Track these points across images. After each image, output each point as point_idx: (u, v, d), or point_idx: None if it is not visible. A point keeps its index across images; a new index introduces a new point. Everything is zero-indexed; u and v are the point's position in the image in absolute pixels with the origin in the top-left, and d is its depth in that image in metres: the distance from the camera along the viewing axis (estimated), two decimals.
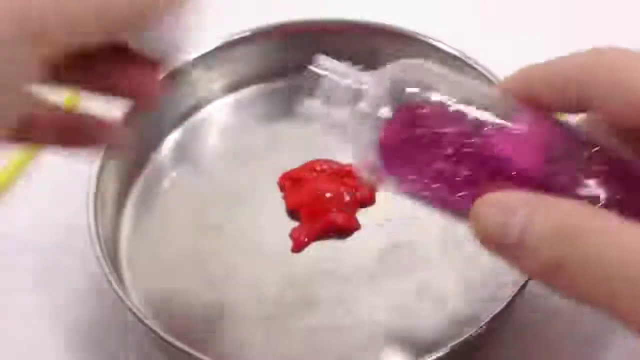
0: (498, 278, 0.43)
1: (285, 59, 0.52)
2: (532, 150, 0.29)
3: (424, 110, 0.30)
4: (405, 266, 0.44)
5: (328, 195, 0.46)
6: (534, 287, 0.39)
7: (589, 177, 0.29)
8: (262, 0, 0.58)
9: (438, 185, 0.30)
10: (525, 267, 0.28)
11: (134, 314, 0.39)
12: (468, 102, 0.30)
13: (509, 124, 0.30)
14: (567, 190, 0.29)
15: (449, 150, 0.29)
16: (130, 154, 0.48)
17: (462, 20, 0.58)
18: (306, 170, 0.47)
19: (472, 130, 0.30)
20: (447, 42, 0.49)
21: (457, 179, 0.29)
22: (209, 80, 0.51)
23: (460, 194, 0.30)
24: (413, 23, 0.50)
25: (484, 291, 0.42)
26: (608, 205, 0.28)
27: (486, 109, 0.30)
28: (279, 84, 0.52)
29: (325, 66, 0.33)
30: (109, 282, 0.40)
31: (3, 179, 0.50)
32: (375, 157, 0.31)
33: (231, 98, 0.52)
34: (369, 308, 0.42)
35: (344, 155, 0.46)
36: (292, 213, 0.46)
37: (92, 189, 0.43)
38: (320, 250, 0.45)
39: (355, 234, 0.45)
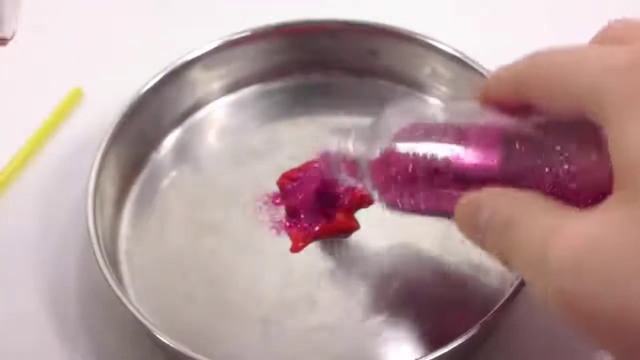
0: (497, 277, 0.43)
1: (285, 59, 0.52)
2: (491, 153, 0.33)
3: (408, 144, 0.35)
4: (405, 266, 0.44)
5: (327, 195, 0.46)
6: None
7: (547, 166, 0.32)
8: (262, 0, 0.58)
9: (428, 198, 0.35)
10: (490, 253, 0.32)
11: (133, 313, 0.39)
12: (445, 124, 0.35)
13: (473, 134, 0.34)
14: (527, 178, 0.32)
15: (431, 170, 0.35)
16: (130, 153, 0.48)
17: (462, 20, 0.58)
18: (306, 170, 0.47)
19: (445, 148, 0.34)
20: (447, 42, 0.49)
21: (441, 190, 0.35)
22: (209, 80, 0.51)
23: (445, 201, 0.35)
24: (413, 23, 0.50)
25: (484, 291, 0.42)
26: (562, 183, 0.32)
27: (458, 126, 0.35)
28: (279, 84, 0.52)
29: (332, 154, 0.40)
30: (108, 281, 0.40)
31: (2, 179, 0.50)
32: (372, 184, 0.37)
33: (231, 98, 0.52)
34: (369, 308, 0.42)
35: None
36: (292, 213, 0.46)
37: (91, 189, 0.43)
38: (320, 250, 0.45)
39: (355, 234, 0.45)
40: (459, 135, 0.34)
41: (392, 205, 0.37)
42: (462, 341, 0.38)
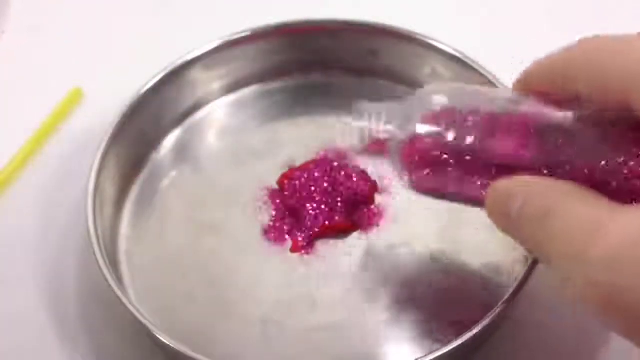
0: (497, 277, 0.43)
1: (285, 59, 0.52)
2: (524, 141, 0.33)
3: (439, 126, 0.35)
4: (406, 265, 0.44)
5: (327, 195, 0.46)
6: (534, 286, 0.39)
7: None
8: (262, 0, 0.58)
9: (456, 183, 0.35)
10: (522, 243, 0.32)
11: (133, 313, 0.39)
12: (478, 109, 0.34)
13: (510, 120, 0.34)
14: (560, 170, 0.32)
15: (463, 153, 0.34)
16: (130, 153, 0.48)
17: (462, 20, 0.58)
18: (305, 170, 0.47)
19: (480, 130, 0.34)
20: (447, 42, 0.49)
21: (470, 176, 0.35)
22: (209, 80, 0.51)
23: (474, 187, 0.35)
24: (413, 23, 0.50)
25: (484, 291, 0.42)
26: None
27: (493, 111, 0.34)
28: (279, 84, 0.52)
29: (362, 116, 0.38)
30: (108, 281, 0.40)
31: (2, 179, 0.50)
32: (404, 168, 0.37)
33: (231, 98, 0.52)
34: (369, 307, 0.42)
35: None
36: (292, 213, 0.46)
37: (91, 189, 0.43)
38: (320, 250, 0.45)
39: (355, 234, 0.45)
40: (492, 121, 0.34)
41: (420, 188, 0.37)
42: (463, 340, 0.38)
